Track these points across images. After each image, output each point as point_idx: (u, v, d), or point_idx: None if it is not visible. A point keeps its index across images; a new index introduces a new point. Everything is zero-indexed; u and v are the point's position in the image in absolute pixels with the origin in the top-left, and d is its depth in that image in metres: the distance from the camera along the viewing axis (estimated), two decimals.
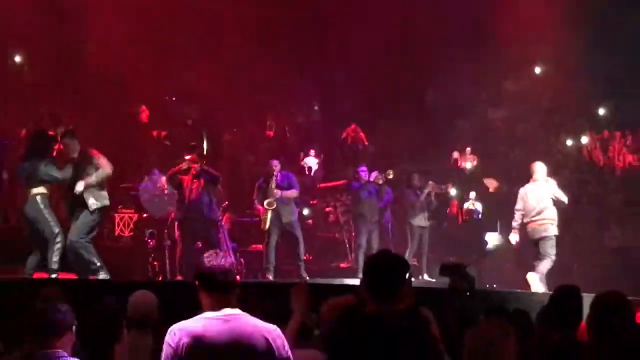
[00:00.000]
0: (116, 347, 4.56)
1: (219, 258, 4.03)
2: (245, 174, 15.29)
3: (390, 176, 13.93)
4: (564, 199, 11.62)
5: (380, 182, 13.74)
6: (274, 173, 12.75)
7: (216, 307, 3.95)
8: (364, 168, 13.93)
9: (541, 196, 11.59)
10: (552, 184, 11.78)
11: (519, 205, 11.80)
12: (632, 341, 4.13)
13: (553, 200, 11.54)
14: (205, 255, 4.11)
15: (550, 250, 11.40)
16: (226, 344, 3.84)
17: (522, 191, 11.86)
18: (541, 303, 7.50)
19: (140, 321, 5.04)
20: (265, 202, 12.54)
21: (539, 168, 11.93)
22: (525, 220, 11.65)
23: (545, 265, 11.37)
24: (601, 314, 4.25)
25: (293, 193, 12.84)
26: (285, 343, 4.00)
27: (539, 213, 11.50)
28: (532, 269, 11.43)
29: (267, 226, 12.62)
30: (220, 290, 3.98)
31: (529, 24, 16.61)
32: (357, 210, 13.72)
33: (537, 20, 16.51)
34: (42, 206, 9.55)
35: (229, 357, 3.83)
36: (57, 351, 4.16)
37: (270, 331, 3.99)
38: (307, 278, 12.35)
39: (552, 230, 11.47)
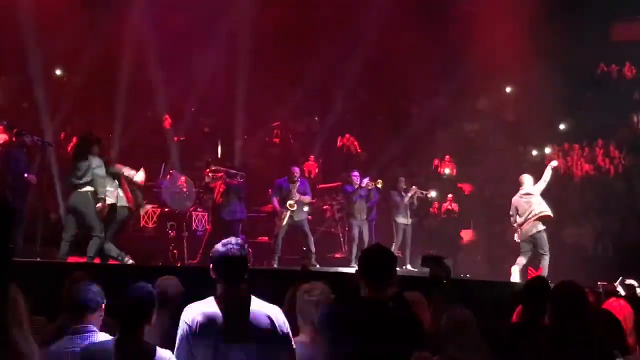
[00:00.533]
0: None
1: (232, 246, 4.05)
2: (254, 176, 15.28)
3: (380, 185, 13.98)
4: (547, 177, 12.07)
5: (370, 187, 13.79)
6: (295, 179, 12.92)
7: (227, 290, 3.98)
8: (356, 173, 13.96)
9: (530, 201, 11.87)
10: (536, 187, 12.11)
11: (512, 211, 12.14)
12: (586, 323, 4.17)
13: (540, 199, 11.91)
14: (219, 244, 4.12)
15: (544, 247, 11.73)
16: (235, 321, 3.86)
17: (514, 200, 12.15)
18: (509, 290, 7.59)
19: (163, 302, 5.05)
20: (288, 204, 12.71)
21: (527, 179, 12.22)
22: (519, 222, 11.92)
23: (544, 262, 11.68)
24: (560, 300, 4.28)
25: (308, 198, 13.12)
26: (286, 322, 4.02)
27: (530, 213, 11.78)
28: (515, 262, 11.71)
29: (284, 222, 12.73)
30: (231, 275, 3.99)
31: (499, 49, 16.66)
32: (349, 210, 13.79)
33: (506, 45, 16.56)
34: (91, 201, 9.56)
35: (237, 333, 3.84)
36: (88, 326, 4.17)
37: (273, 310, 4.02)
38: (318, 266, 12.46)
39: (541, 225, 11.81)
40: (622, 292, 8.43)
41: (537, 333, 4.31)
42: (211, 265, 3.99)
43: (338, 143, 19.28)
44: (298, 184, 12.98)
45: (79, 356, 3.91)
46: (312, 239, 13.00)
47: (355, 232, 13.49)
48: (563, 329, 4.16)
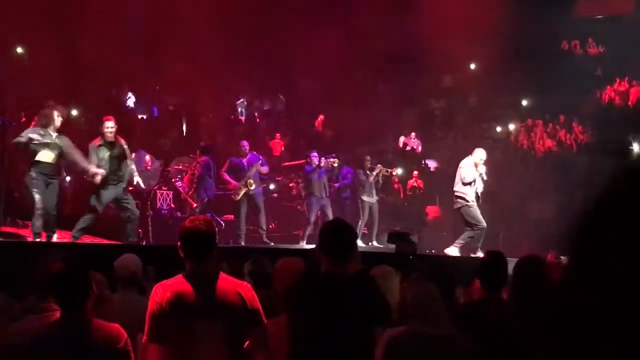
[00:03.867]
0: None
1: (199, 223, 4.04)
2: (220, 153, 15.22)
3: (336, 164, 14.09)
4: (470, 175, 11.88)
5: (328, 167, 13.90)
6: (245, 152, 12.94)
7: (196, 267, 3.97)
8: (315, 154, 14.02)
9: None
10: (464, 169, 12.00)
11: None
12: (546, 296, 4.23)
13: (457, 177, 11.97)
14: (186, 222, 4.11)
15: (465, 223, 11.90)
16: (205, 298, 3.86)
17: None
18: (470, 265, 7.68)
19: (127, 280, 5.03)
20: (247, 182, 12.69)
21: (475, 153, 12.16)
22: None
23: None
24: (522, 274, 4.34)
25: (265, 169, 13.16)
26: (255, 297, 4.03)
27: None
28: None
29: (239, 197, 12.76)
30: (199, 252, 3.99)
31: (463, 26, 16.70)
32: (309, 190, 13.80)
33: (470, 22, 16.61)
34: None
35: (207, 309, 3.84)
36: (51, 305, 4.07)
37: (242, 287, 4.03)
38: (272, 244, 12.49)
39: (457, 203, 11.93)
40: None
41: (495, 308, 4.37)
42: (179, 242, 3.98)
43: (316, 125, 19.29)
44: (248, 158, 12.99)
45: (32, 333, 3.85)
46: (264, 214, 13.05)
47: (313, 215, 13.57)
48: (523, 304, 4.22)
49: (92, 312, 3.93)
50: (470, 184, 11.77)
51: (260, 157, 13.25)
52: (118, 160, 10.36)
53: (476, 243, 11.65)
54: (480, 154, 11.97)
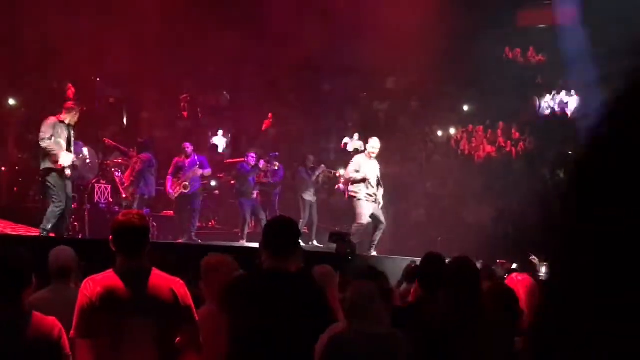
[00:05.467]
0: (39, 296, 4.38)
1: (132, 217, 3.96)
2: (161, 149, 15.05)
3: (277, 168, 14.11)
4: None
5: (266, 169, 13.97)
6: (188, 154, 12.84)
7: (128, 262, 3.90)
8: (253, 155, 14.02)
9: None
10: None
11: None
12: (478, 299, 4.31)
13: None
14: (120, 214, 4.04)
15: None
16: (136, 293, 3.80)
17: None
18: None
19: (61, 273, 4.92)
20: (183, 185, 12.59)
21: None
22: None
23: None
24: (453, 276, 4.40)
25: (208, 172, 13.07)
26: (188, 294, 3.98)
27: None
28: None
29: (175, 197, 12.72)
30: (131, 247, 3.92)
31: (407, 29, 16.87)
32: (242, 189, 13.72)
33: (414, 27, 16.78)
34: None
35: (139, 305, 3.78)
36: None
37: (175, 283, 3.97)
38: (200, 241, 12.49)
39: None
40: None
41: (432, 307, 4.42)
42: (111, 236, 3.90)
43: (265, 124, 19.22)
44: (190, 160, 12.88)
45: None
46: (197, 214, 13.02)
47: (248, 213, 13.55)
48: (456, 305, 4.28)
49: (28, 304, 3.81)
50: (361, 180, 11.36)
51: (201, 160, 13.12)
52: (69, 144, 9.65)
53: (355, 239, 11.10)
54: (371, 143, 11.79)
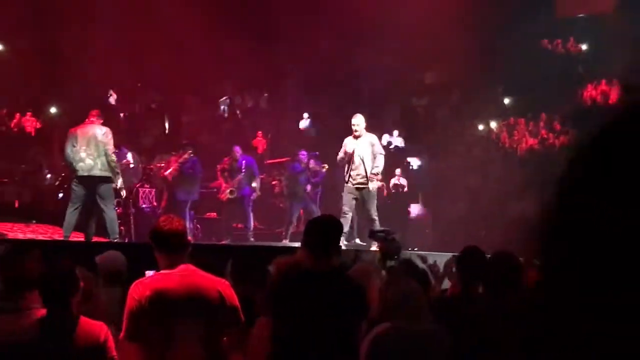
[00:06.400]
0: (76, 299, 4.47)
1: (173, 222, 4.05)
2: (202, 152, 15.20)
3: (325, 169, 14.04)
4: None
5: (317, 170, 13.90)
6: (237, 157, 12.92)
7: (171, 265, 3.97)
8: (304, 153, 13.97)
9: None
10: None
11: None
12: (519, 295, 4.28)
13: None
14: (160, 219, 4.12)
15: None
16: (184, 295, 3.85)
17: None
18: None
19: (111, 277, 5.03)
20: (229, 190, 12.67)
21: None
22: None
23: None
24: (494, 271, 4.39)
25: (256, 183, 13.12)
26: (234, 295, 4.04)
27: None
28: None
29: (226, 199, 12.79)
30: (174, 249, 3.99)
31: (446, 23, 16.78)
32: (292, 189, 13.71)
33: (453, 20, 16.69)
34: None
35: (187, 307, 3.83)
36: (30, 302, 3.95)
37: (221, 284, 4.04)
38: (252, 239, 12.56)
39: None
40: None
41: (471, 302, 4.41)
42: (153, 240, 3.99)
43: (300, 124, 19.28)
44: (238, 163, 12.98)
45: (7, 333, 3.81)
46: (251, 214, 13.05)
47: (295, 215, 13.53)
48: (496, 300, 4.26)
49: (79, 309, 3.91)
50: (347, 164, 10.67)
51: (250, 163, 13.21)
52: None
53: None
54: (353, 121, 10.84)
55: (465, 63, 19.85)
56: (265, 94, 21.05)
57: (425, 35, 17.19)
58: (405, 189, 16.94)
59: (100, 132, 9.48)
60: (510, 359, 4.17)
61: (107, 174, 9.44)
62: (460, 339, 4.07)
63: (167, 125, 18.86)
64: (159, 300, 3.81)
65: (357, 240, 14.04)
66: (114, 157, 9.55)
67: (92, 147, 9.38)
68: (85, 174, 9.39)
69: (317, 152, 14.69)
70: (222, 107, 19.57)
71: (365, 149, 10.56)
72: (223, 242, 12.46)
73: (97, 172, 9.39)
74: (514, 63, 18.39)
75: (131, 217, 12.95)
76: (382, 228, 10.63)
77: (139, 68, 17.50)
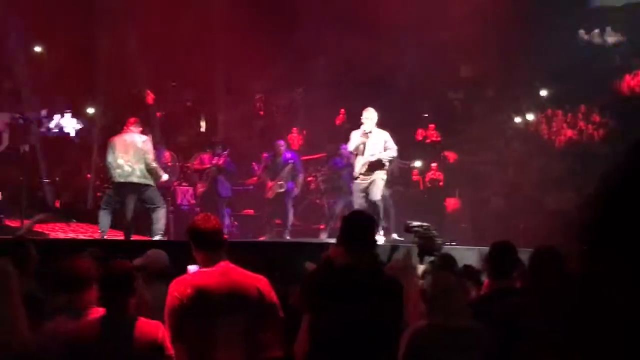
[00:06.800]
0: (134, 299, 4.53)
1: (210, 220, 4.07)
2: (238, 149, 15.28)
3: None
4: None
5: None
6: (281, 152, 12.95)
7: (210, 263, 4.00)
8: (345, 147, 13.93)
9: None
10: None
11: None
12: (562, 288, 4.23)
13: None
14: (197, 218, 4.14)
15: None
16: (225, 293, 3.88)
17: None
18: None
19: (159, 274, 5.08)
20: (279, 184, 12.74)
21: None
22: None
23: None
24: (536, 265, 4.34)
25: (300, 178, 13.12)
26: (272, 290, 4.06)
27: None
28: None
29: (272, 197, 12.79)
30: (212, 247, 4.01)
31: (480, 15, 16.65)
32: (336, 184, 13.71)
33: (488, 12, 16.56)
34: None
35: (227, 304, 3.86)
36: (85, 302, 4.04)
37: (260, 280, 4.06)
38: (288, 238, 12.57)
39: None
40: None
41: (508, 298, 4.37)
42: (191, 238, 4.01)
43: (337, 120, 19.26)
44: (282, 157, 13.00)
45: (69, 333, 3.89)
46: (291, 211, 13.06)
47: (339, 207, 13.55)
48: (539, 295, 4.23)
49: (135, 308, 3.97)
50: (357, 154, 10.60)
51: (294, 158, 13.25)
52: None
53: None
54: (363, 115, 10.78)
55: (501, 55, 19.69)
56: (300, 90, 21.06)
57: (460, 28, 17.07)
58: (441, 183, 16.87)
59: (140, 140, 9.60)
60: (554, 356, 4.14)
61: (145, 180, 9.54)
62: (501, 336, 4.04)
63: (203, 123, 18.99)
64: (200, 298, 3.84)
65: (395, 236, 14.03)
66: (154, 165, 9.65)
67: (131, 154, 9.50)
68: (123, 180, 9.52)
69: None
70: (257, 104, 19.64)
71: (377, 146, 10.59)
72: (262, 239, 12.52)
73: (135, 179, 9.50)
74: (551, 54, 18.19)
75: (170, 215, 13.09)
76: (420, 222, 10.57)
77: (174, 67, 17.64)
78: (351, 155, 13.68)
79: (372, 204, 10.50)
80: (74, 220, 13.19)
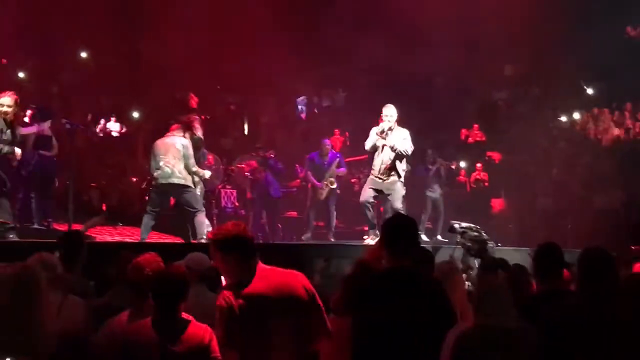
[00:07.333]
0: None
1: (240, 226, 4.04)
2: (280, 151, 15.35)
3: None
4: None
5: None
6: (327, 151, 12.95)
7: (250, 268, 3.96)
8: None
9: None
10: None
11: None
12: (612, 289, 4.16)
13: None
14: (228, 227, 4.05)
15: None
16: (273, 295, 3.87)
17: None
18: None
19: (201, 276, 5.11)
20: (329, 180, 12.76)
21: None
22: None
23: None
24: (586, 266, 4.27)
25: (343, 171, 13.10)
26: (309, 283, 4.05)
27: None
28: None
29: (324, 197, 12.79)
30: (252, 253, 3.99)
31: (526, 14, 16.48)
32: None
33: (528, 10, 16.39)
34: None
35: (277, 306, 3.85)
36: (144, 304, 4.15)
37: (297, 275, 4.05)
38: (333, 240, 12.54)
39: None
40: None
41: (556, 301, 4.30)
42: (230, 248, 3.97)
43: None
44: (329, 157, 13.00)
45: (123, 334, 3.96)
46: (334, 213, 13.03)
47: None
48: (591, 295, 4.15)
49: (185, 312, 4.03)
50: (375, 152, 10.37)
51: (339, 157, 13.21)
52: None
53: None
54: (384, 112, 10.58)
55: (545, 53, 19.46)
56: (343, 93, 21.08)
57: (504, 26, 16.92)
58: (487, 183, 16.72)
59: (180, 142, 9.66)
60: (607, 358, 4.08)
61: (184, 182, 9.58)
62: (550, 338, 3.98)
63: (246, 126, 19.11)
64: (249, 305, 3.83)
65: (439, 237, 13.94)
66: (194, 169, 9.69)
67: (170, 156, 9.57)
68: (163, 181, 9.59)
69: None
70: (299, 106, 19.70)
71: (394, 141, 10.31)
72: (304, 241, 12.53)
73: (174, 180, 9.55)
74: (596, 51, 17.89)
75: (214, 218, 13.18)
76: (468, 224, 10.40)
77: (217, 70, 17.77)
78: None
79: (395, 211, 10.17)
80: (120, 224, 13.36)
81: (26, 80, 17.18)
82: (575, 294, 4.34)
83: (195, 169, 9.71)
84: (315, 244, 11.97)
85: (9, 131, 8.66)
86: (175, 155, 9.57)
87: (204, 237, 9.47)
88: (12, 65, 17.48)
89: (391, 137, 10.31)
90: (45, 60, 17.13)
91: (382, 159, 10.25)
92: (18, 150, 8.88)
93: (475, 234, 9.78)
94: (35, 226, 10.85)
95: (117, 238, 12.11)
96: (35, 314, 3.92)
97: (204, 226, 9.63)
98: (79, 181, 13.15)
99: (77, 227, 9.84)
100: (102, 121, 17.75)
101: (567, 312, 4.18)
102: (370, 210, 10.46)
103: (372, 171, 10.44)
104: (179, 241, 10.66)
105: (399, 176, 10.27)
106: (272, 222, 13.41)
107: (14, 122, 8.71)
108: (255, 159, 13.63)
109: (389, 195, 10.31)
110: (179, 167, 9.54)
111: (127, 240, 11.81)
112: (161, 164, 9.57)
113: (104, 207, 14.98)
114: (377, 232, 10.22)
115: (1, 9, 15.71)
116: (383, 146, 10.28)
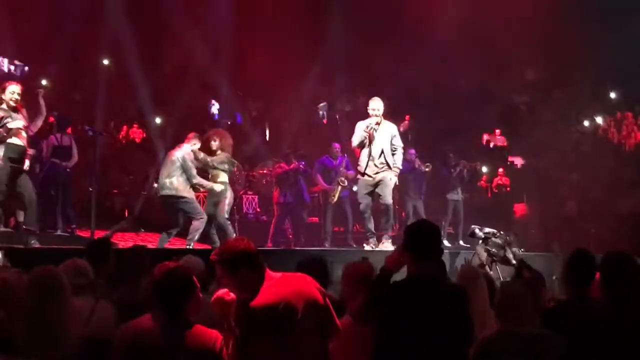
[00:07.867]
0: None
1: (245, 240, 3.97)
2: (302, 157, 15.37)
3: (429, 169, 13.84)
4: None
5: (424, 170, 13.73)
6: (337, 155, 12.93)
7: (259, 281, 3.89)
8: (412, 151, 13.84)
9: None
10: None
11: None
12: (635, 293, 4.13)
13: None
14: (231, 243, 4.02)
15: None
16: (294, 303, 3.81)
17: None
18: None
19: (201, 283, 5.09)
20: (339, 180, 12.66)
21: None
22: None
23: None
24: (609, 271, 4.25)
25: (352, 174, 13.07)
26: (317, 283, 4.03)
27: None
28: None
29: (335, 199, 12.75)
30: (260, 266, 3.92)
31: (545, 18, 16.42)
32: (404, 189, 13.63)
33: (551, 14, 16.31)
34: None
35: (299, 313, 3.79)
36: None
37: (309, 278, 4.01)
38: (354, 246, 12.47)
39: None
40: None
41: (583, 307, 4.27)
42: (240, 262, 3.91)
43: (401, 127, 19.22)
44: (338, 160, 12.98)
45: (133, 335, 3.92)
46: (351, 217, 13.01)
47: (410, 209, 13.52)
48: (614, 299, 4.13)
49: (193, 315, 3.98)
50: (362, 148, 10.06)
51: (346, 160, 13.19)
52: None
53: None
54: (370, 105, 10.24)
55: (567, 57, 19.35)
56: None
57: (525, 30, 16.85)
58: (508, 188, 16.64)
59: (179, 154, 9.67)
60: None
61: (175, 192, 9.58)
62: (575, 343, 3.96)
63: (267, 132, 19.17)
64: (268, 313, 3.78)
65: (461, 242, 13.89)
66: (194, 181, 9.62)
67: (165, 168, 9.65)
68: (159, 193, 9.74)
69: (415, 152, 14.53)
70: (320, 112, 19.72)
71: (385, 140, 10.09)
72: (325, 246, 12.51)
73: (166, 192, 9.60)
74: (619, 55, 17.77)
75: (235, 224, 13.21)
76: (490, 229, 10.29)
77: (239, 77, 17.85)
78: (416, 160, 13.63)
79: (386, 207, 10.08)
80: (143, 230, 13.42)
81: (49, 87, 17.35)
82: (598, 301, 4.31)
83: (196, 180, 9.66)
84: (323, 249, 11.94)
85: (16, 116, 8.51)
86: (168, 168, 9.60)
87: (192, 244, 9.50)
88: (36, 72, 17.66)
89: (379, 131, 10.06)
90: (68, 68, 17.28)
91: (370, 154, 10.00)
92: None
93: (499, 241, 9.67)
94: (59, 232, 10.89)
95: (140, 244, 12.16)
96: (60, 316, 3.98)
97: (197, 233, 9.63)
98: (101, 188, 13.25)
99: (100, 233, 9.89)
100: (125, 128, 17.88)
101: (590, 317, 4.16)
102: (370, 222, 10.24)
103: (358, 167, 10.19)
104: (203, 247, 10.68)
105: (389, 167, 9.99)
106: (298, 228, 13.40)
107: (19, 110, 8.63)
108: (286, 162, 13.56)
109: (379, 192, 10.01)
110: (171, 179, 9.55)
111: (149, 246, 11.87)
112: (160, 176, 9.70)
113: (126, 214, 15.07)
114: (376, 240, 10.19)
115: (25, 17, 15.90)
116: (370, 140, 10.01)
